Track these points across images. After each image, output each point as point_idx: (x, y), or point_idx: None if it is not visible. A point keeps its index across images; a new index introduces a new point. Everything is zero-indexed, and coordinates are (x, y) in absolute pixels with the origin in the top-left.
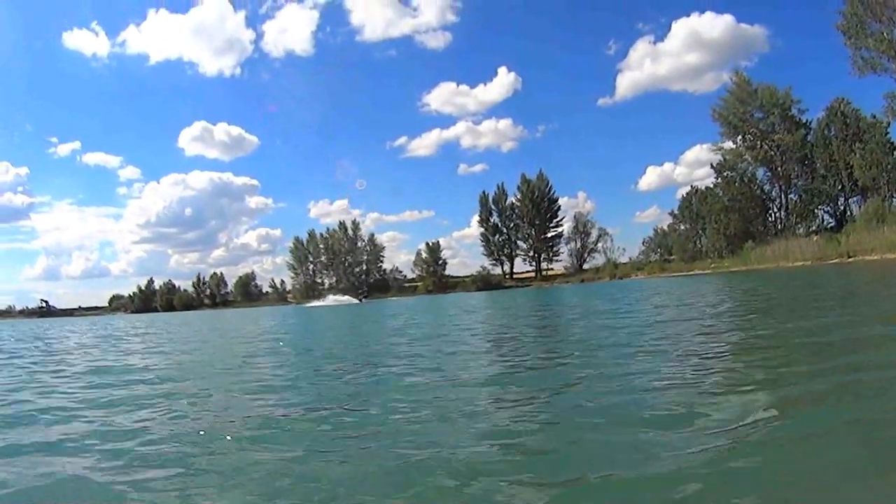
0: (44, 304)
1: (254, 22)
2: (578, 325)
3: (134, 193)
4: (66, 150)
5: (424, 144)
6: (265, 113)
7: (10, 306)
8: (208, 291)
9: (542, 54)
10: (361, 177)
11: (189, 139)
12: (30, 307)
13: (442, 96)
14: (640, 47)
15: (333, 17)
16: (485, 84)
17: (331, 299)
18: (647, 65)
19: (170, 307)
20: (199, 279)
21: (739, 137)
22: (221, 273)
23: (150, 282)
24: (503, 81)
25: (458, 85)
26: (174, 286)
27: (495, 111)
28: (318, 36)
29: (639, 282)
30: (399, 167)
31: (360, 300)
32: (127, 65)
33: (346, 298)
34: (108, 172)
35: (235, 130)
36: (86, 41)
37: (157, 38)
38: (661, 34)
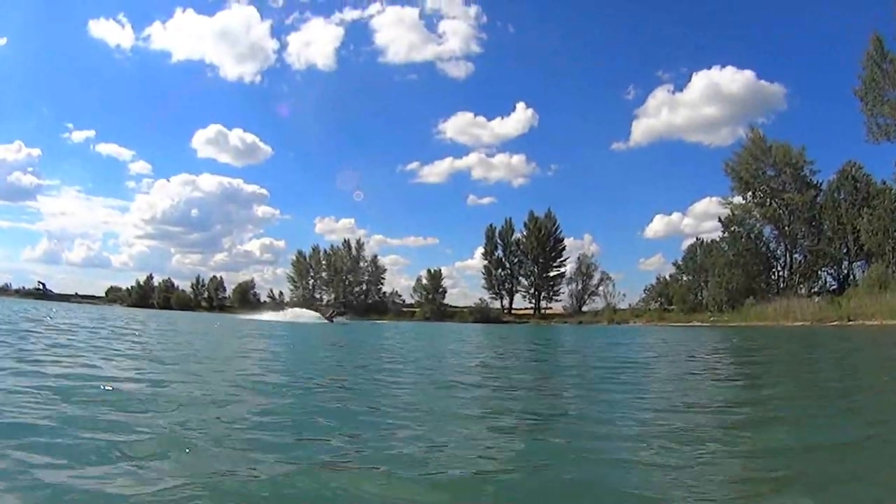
0: (41, 287)
1: (279, 32)
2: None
3: (143, 188)
4: (81, 137)
5: (436, 171)
6: (281, 124)
7: (6, 284)
8: (206, 294)
9: (561, 93)
10: (370, 197)
11: (203, 141)
12: (26, 288)
13: (458, 125)
14: (659, 95)
15: (358, 36)
16: (502, 118)
17: (290, 313)
18: (664, 113)
19: (166, 305)
20: (198, 281)
21: (750, 193)
22: (221, 277)
23: (150, 278)
24: (520, 117)
25: (475, 115)
26: (173, 285)
27: (509, 146)
28: (340, 53)
29: (636, 329)
30: (408, 192)
31: (330, 320)
32: (149, 60)
33: (309, 314)
34: (119, 164)
35: (250, 138)
36: (111, 32)
37: (181, 37)
38: (680, 84)
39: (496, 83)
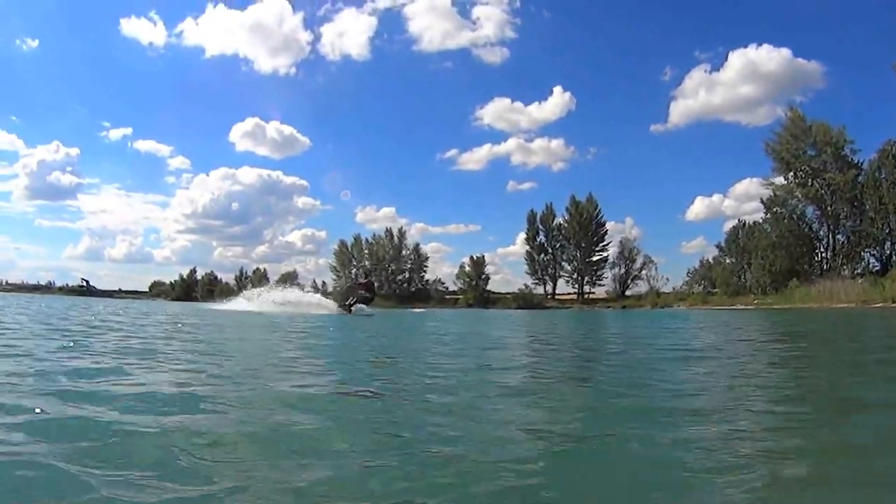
0: (84, 284)
1: (311, 24)
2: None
3: (182, 183)
4: (118, 135)
5: (475, 158)
6: (318, 115)
7: (50, 282)
8: (250, 286)
9: (598, 76)
10: (410, 186)
11: (240, 135)
12: (70, 285)
13: (495, 111)
14: (696, 76)
15: (391, 25)
16: (539, 102)
17: (274, 297)
18: (701, 94)
19: (210, 298)
20: (241, 273)
21: (791, 174)
22: (265, 269)
23: (193, 271)
24: (558, 101)
25: (512, 101)
26: (216, 277)
27: (548, 130)
28: (374, 42)
29: (681, 312)
30: (448, 179)
31: (348, 310)
32: (183, 56)
33: (315, 301)
34: (157, 160)
35: (288, 130)
36: (143, 29)
37: (214, 32)
38: (717, 64)
39: (532, 68)
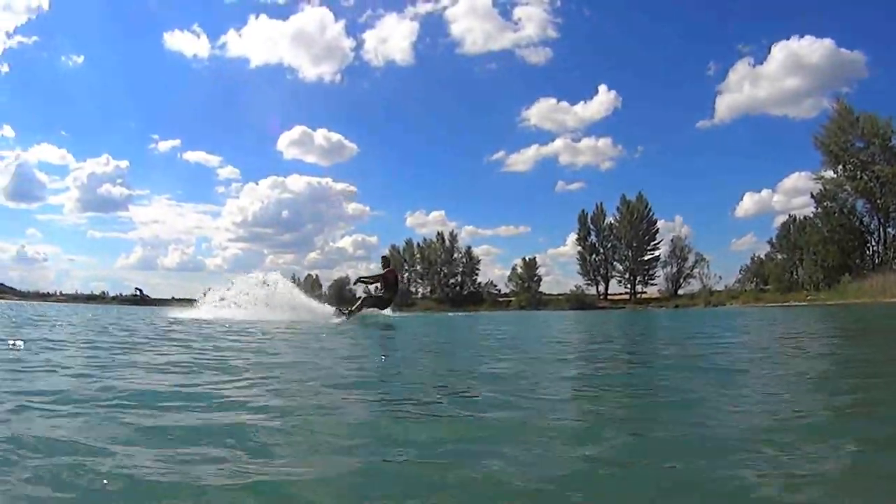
0: (138, 293)
1: (354, 31)
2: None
3: (232, 193)
4: (167, 146)
5: (522, 160)
6: (365, 121)
7: (104, 292)
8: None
9: (642, 73)
10: (459, 189)
11: (288, 143)
12: (124, 294)
13: (541, 112)
14: (740, 69)
15: (433, 29)
16: (585, 101)
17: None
18: (746, 88)
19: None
20: (294, 279)
21: (840, 167)
22: (316, 275)
23: None
24: (603, 99)
25: (557, 101)
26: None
27: (595, 129)
28: (417, 47)
29: (735, 310)
30: (496, 181)
31: (346, 314)
32: (227, 67)
33: (314, 307)
34: (207, 171)
35: (335, 136)
36: (187, 43)
37: (257, 43)
38: (760, 57)
39: (576, 67)
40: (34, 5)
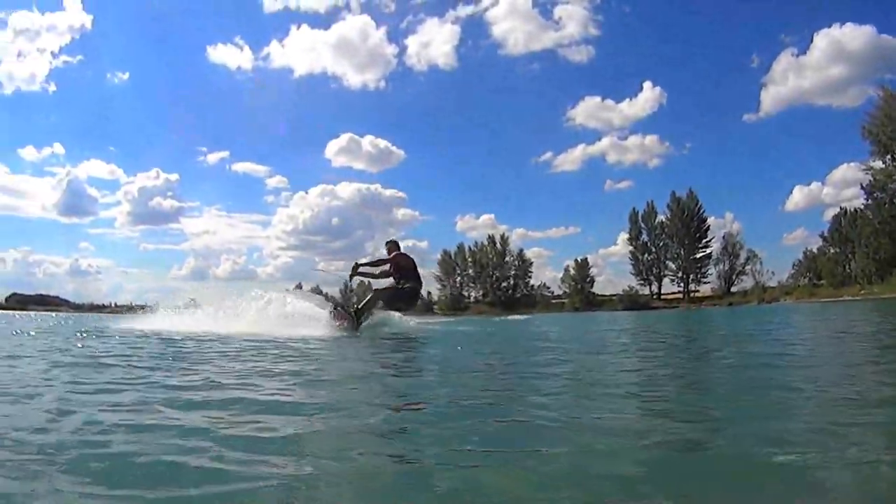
0: (191, 302)
1: (395, 36)
2: None
3: (281, 202)
4: (215, 158)
5: (570, 160)
6: (411, 126)
7: (157, 303)
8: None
9: (685, 68)
10: (507, 192)
11: (336, 150)
12: (178, 304)
13: (587, 111)
14: (783, 60)
15: (474, 32)
16: (630, 99)
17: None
18: (790, 78)
19: None
20: (346, 286)
21: (889, 156)
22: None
23: (298, 286)
24: (647, 96)
25: (602, 99)
26: (322, 292)
27: (641, 126)
28: (460, 50)
29: (790, 307)
30: (545, 183)
31: (353, 322)
32: (272, 78)
33: (314, 312)
34: (255, 181)
35: (382, 143)
36: (230, 55)
37: (300, 53)
38: (803, 46)
39: (619, 64)
40: (77, 25)
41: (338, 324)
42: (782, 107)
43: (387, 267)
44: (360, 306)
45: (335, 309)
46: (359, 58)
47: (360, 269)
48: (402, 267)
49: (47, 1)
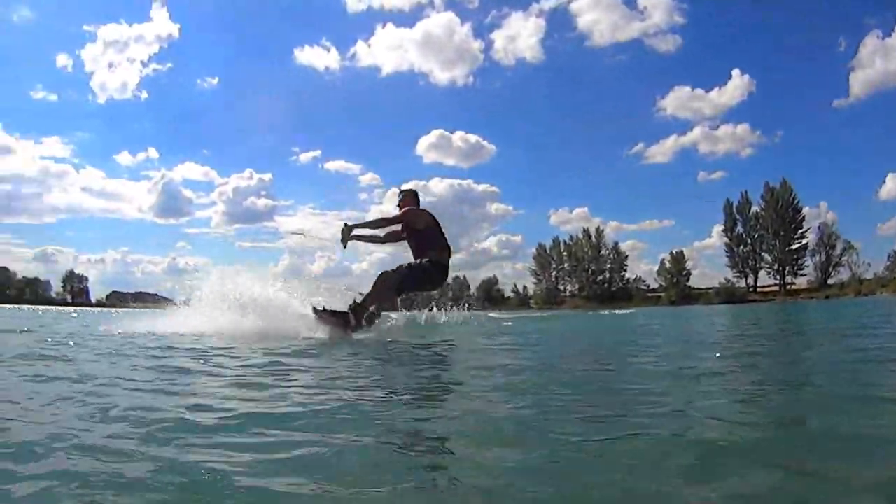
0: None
1: (481, 32)
2: None
3: (375, 199)
4: (308, 157)
5: (661, 151)
6: (500, 120)
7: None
8: (450, 294)
9: (773, 54)
10: (600, 184)
11: (426, 147)
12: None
13: (677, 101)
14: (869, 43)
15: (560, 24)
16: (719, 87)
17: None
18: (877, 62)
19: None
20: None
21: None
22: (464, 276)
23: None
24: (737, 84)
25: (692, 89)
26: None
27: (731, 115)
28: (546, 43)
29: (889, 300)
30: (637, 174)
31: (344, 327)
32: (360, 77)
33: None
34: (348, 178)
35: (473, 138)
36: (317, 57)
37: (386, 51)
38: (888, 29)
39: (707, 52)
40: (164, 34)
41: (334, 330)
42: (871, 91)
43: (396, 228)
44: (360, 304)
45: (322, 311)
46: (445, 54)
47: (356, 233)
48: (419, 229)
49: (135, 13)
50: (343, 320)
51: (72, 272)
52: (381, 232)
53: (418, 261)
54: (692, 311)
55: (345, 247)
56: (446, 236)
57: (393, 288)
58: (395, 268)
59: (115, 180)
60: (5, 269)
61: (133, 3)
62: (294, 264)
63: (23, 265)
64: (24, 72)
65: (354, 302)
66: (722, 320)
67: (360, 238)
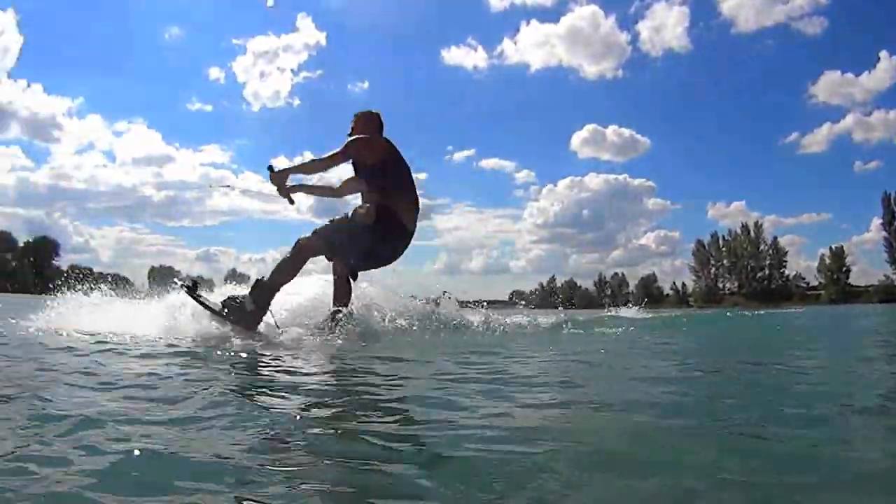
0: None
1: (626, 23)
2: None
3: (531, 196)
4: (462, 156)
5: (816, 140)
6: (652, 113)
7: (413, 296)
8: (609, 291)
9: None
10: (755, 176)
11: (580, 142)
12: (432, 298)
13: (827, 86)
14: None
15: (704, 12)
16: (869, 71)
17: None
18: None
19: (570, 305)
20: (600, 278)
21: None
22: (622, 274)
23: (552, 279)
24: (885, 66)
25: (842, 73)
26: (575, 284)
27: (883, 100)
28: (692, 32)
29: None
30: (793, 165)
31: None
32: (508, 75)
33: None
34: (503, 176)
35: (626, 132)
36: (465, 56)
37: (533, 48)
38: None
39: (854, 34)
40: (312, 42)
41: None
42: None
43: (337, 165)
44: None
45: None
46: (592, 48)
47: (294, 184)
48: (369, 165)
49: (281, 24)
50: (243, 315)
51: (234, 271)
52: (334, 180)
53: (363, 210)
54: (857, 311)
55: (290, 201)
56: (414, 183)
57: (310, 257)
58: (333, 226)
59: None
60: (171, 268)
61: (279, 15)
62: (452, 262)
63: (187, 265)
64: (179, 86)
65: (256, 282)
66: None
67: (302, 189)
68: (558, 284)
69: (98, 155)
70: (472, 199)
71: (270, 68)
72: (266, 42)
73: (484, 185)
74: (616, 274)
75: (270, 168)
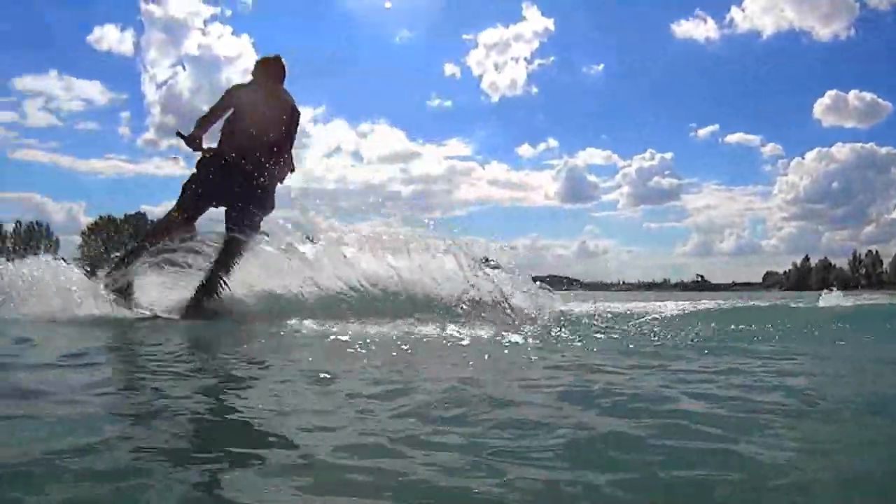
0: (699, 279)
1: None
2: None
3: (779, 170)
4: (706, 133)
5: None
6: (889, 72)
7: (665, 279)
8: (864, 271)
9: None
10: None
11: (822, 110)
12: (684, 281)
13: None
14: None
15: None
16: None
17: None
18: None
19: (824, 286)
20: (854, 257)
21: None
22: (876, 251)
23: (806, 259)
24: None
25: None
26: (830, 264)
27: None
28: None
29: None
30: None
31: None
32: (740, 44)
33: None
34: (749, 151)
35: (867, 96)
36: (695, 29)
37: (762, 14)
38: None
39: None
40: (540, 30)
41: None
42: None
43: (221, 114)
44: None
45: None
46: (821, 8)
47: (206, 145)
48: (242, 120)
49: (508, 15)
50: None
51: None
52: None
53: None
54: None
55: (204, 151)
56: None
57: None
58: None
59: (518, 172)
60: None
61: (504, 6)
62: (703, 242)
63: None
64: (417, 84)
65: (117, 263)
66: None
67: (205, 151)
68: (812, 265)
69: (346, 156)
70: (719, 176)
71: (504, 59)
72: (496, 34)
73: (730, 161)
74: (870, 252)
75: (179, 134)
